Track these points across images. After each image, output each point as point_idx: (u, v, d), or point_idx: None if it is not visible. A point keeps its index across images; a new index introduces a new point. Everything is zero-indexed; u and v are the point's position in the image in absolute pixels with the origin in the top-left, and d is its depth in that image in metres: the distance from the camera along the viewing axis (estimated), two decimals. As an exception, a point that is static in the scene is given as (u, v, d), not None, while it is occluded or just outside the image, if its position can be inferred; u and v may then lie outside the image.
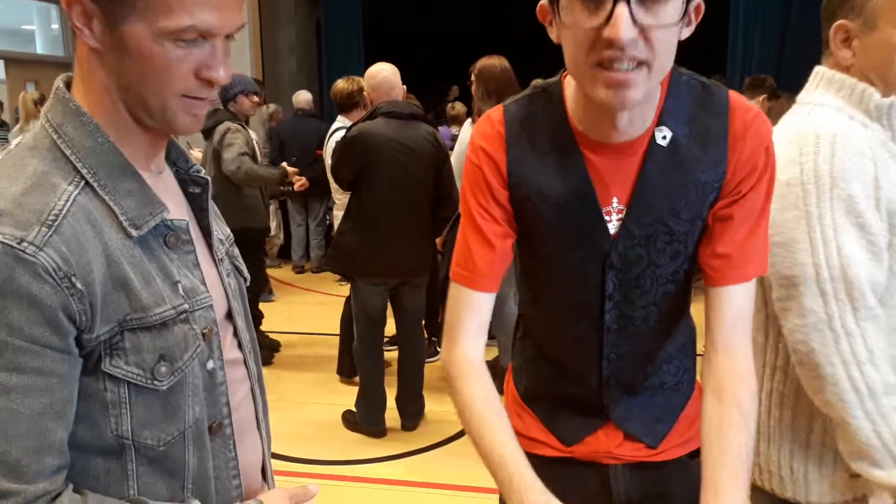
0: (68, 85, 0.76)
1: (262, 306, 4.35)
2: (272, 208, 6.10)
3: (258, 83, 6.27)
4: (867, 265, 1.05)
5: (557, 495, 1.02)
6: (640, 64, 0.80)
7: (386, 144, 2.91)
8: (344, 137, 3.03)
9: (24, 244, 0.64)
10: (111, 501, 0.71)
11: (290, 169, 3.98)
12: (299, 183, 5.58)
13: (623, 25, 0.76)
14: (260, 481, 0.91)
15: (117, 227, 0.72)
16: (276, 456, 2.85)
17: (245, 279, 0.96)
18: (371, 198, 2.98)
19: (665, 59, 0.83)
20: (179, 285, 0.76)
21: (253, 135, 3.96)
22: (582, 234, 0.97)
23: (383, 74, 3.07)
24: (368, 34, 8.00)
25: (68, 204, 0.68)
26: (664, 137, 0.93)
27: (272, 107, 6.39)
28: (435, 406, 3.43)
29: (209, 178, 0.89)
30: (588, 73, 0.83)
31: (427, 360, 3.51)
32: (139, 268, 0.72)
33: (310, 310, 5.19)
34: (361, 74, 3.45)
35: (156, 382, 0.72)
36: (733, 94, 0.95)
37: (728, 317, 0.95)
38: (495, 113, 1.00)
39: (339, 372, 3.80)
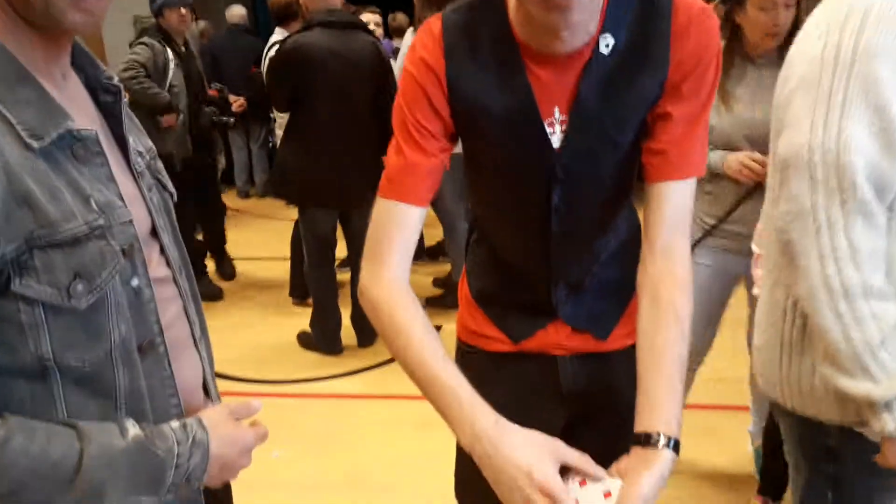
0: None
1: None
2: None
3: (184, -2, 5.89)
4: (871, 155, 0.92)
5: (507, 389, 1.06)
6: None
7: (323, 56, 2.78)
8: (277, 51, 2.89)
9: None
10: (36, 424, 0.69)
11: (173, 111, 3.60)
12: (237, 104, 5.37)
13: None
14: (201, 398, 0.90)
15: (16, 140, 0.67)
16: (232, 378, 2.86)
17: (171, 195, 0.92)
18: (311, 116, 2.87)
19: None
20: (92, 200, 0.72)
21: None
22: (525, 149, 0.96)
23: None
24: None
25: None
26: (607, 45, 0.90)
27: (201, 24, 6.01)
28: (390, 323, 3.47)
29: (121, 85, 0.84)
30: None
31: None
32: (44, 182, 0.68)
33: (258, 235, 5.11)
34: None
35: (73, 302, 0.69)
36: None
37: (666, 216, 0.94)
38: (435, 22, 0.95)
39: (292, 294, 3.78)
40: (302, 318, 3.42)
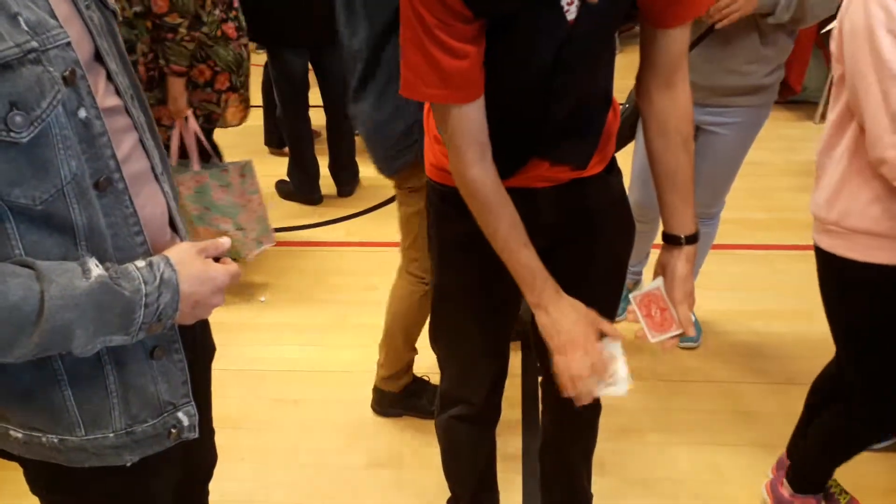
0: None
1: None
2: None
3: None
4: None
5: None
6: None
7: None
8: None
9: None
10: None
11: None
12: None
13: None
14: (169, 234, 0.85)
15: None
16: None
17: (113, 13, 0.82)
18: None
19: None
20: (20, 18, 0.64)
21: None
22: (540, 29, 0.94)
23: None
24: None
25: None
26: None
27: None
28: (369, 172, 3.38)
29: None
30: None
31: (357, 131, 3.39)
32: None
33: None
34: None
35: (13, 135, 0.63)
36: None
37: (672, 55, 1.02)
38: None
39: (268, 143, 3.66)
40: (279, 168, 3.33)
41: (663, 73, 1.03)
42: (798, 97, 4.11)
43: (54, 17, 0.68)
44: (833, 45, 1.22)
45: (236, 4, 2.29)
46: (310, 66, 3.00)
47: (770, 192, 3.22)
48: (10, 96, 0.63)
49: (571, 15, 0.94)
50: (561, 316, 1.03)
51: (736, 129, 1.86)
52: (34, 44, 0.64)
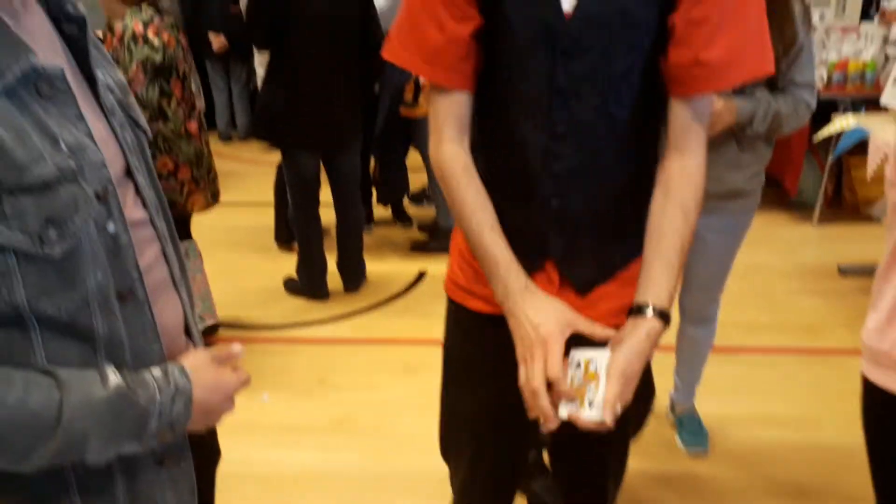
0: None
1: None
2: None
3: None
4: None
5: (492, 352, 1.05)
6: None
7: (305, -9, 2.67)
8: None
9: None
10: (14, 373, 0.67)
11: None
12: (217, 43, 5.19)
13: None
14: (184, 341, 0.88)
15: None
16: (219, 324, 2.84)
17: (144, 132, 0.88)
18: (293, 52, 2.77)
19: None
20: (61, 141, 0.68)
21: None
22: (532, 5, 0.92)
23: None
24: None
25: None
26: None
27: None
28: (375, 268, 3.45)
29: (84, 14, 0.77)
30: None
31: (365, 226, 3.49)
32: (9, 123, 0.64)
33: (240, 178, 5.02)
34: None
35: (46, 249, 0.66)
36: None
37: (687, 121, 0.97)
38: None
39: (277, 239, 3.75)
40: (287, 264, 3.40)
41: (674, 137, 0.98)
42: (794, 200, 4.23)
43: (92, 138, 0.72)
44: (889, 171, 1.14)
45: (199, 106, 2.48)
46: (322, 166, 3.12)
47: (771, 293, 3.25)
48: (47, 213, 0.66)
49: (568, 5, 0.91)
50: (526, 318, 0.92)
51: (720, 233, 1.91)
52: (72, 164, 0.68)
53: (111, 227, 0.73)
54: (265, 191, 3.81)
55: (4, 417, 0.65)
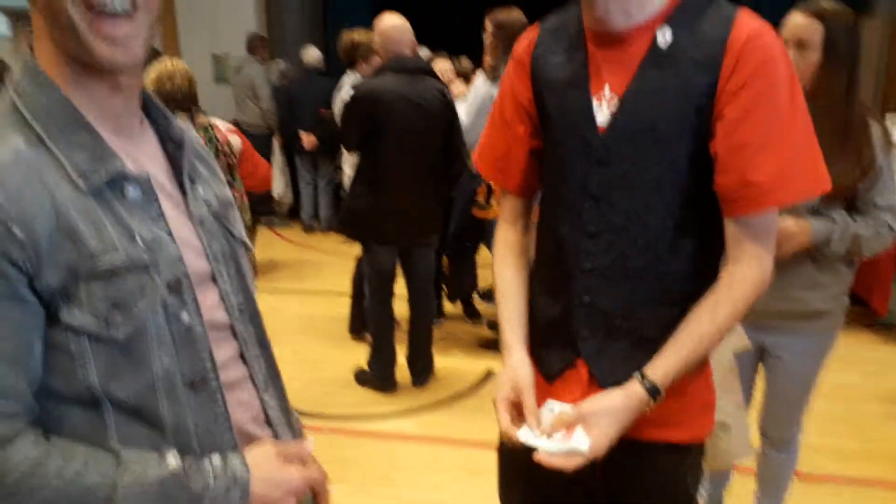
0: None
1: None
2: (279, 167, 6.09)
3: (261, 38, 6.20)
4: None
5: (534, 483, 1.11)
6: None
7: (393, 100, 2.88)
8: (351, 96, 3.00)
9: None
10: (78, 448, 0.72)
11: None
12: (308, 141, 5.57)
13: None
14: (262, 433, 0.90)
15: (66, 179, 0.73)
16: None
17: (243, 245, 0.93)
18: (381, 157, 2.96)
19: None
20: (138, 236, 0.76)
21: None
22: (573, 121, 1.03)
23: (391, 32, 2.99)
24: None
25: (10, 157, 0.70)
26: (664, 37, 0.97)
27: (283, 64, 6.28)
28: (443, 363, 3.47)
29: (183, 138, 0.88)
30: None
31: (435, 320, 3.54)
32: (90, 218, 0.73)
33: (320, 268, 5.22)
34: (368, 26, 3.38)
35: (111, 332, 0.73)
36: (743, 8, 0.97)
37: (740, 237, 0.98)
38: (534, 27, 1.13)
39: (351, 330, 3.84)
40: (358, 354, 3.47)
41: (728, 249, 1.00)
42: (884, 320, 4.02)
43: (171, 235, 0.80)
44: None
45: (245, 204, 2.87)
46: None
47: (860, 418, 3.05)
48: (114, 298, 0.72)
49: (603, 120, 1.00)
50: (504, 373, 1.07)
51: (798, 355, 1.84)
52: (145, 256, 0.75)
53: (185, 317, 0.78)
54: (342, 281, 3.96)
55: (59, 488, 0.69)
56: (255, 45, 6.06)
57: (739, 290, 0.97)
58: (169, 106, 2.56)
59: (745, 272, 0.97)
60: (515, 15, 3.06)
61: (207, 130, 2.72)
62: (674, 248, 1.01)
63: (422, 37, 3.61)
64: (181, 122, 0.91)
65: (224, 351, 0.85)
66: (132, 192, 0.77)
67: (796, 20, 1.65)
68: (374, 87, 2.91)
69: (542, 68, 1.07)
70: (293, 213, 6.47)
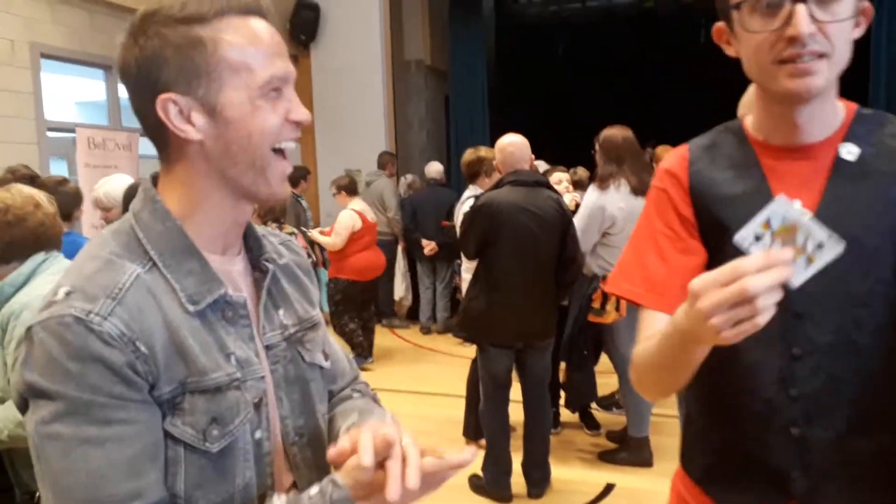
0: (155, 180, 0.87)
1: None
2: (401, 272, 6.41)
3: (390, 154, 6.76)
4: None
5: None
6: (821, 56, 0.88)
7: (513, 210, 3.03)
8: (472, 206, 3.19)
9: (91, 315, 0.73)
10: None
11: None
12: (429, 248, 5.87)
13: (803, 23, 0.86)
14: None
15: (177, 302, 0.80)
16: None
17: (316, 365, 0.96)
18: (499, 262, 3.09)
19: (842, 50, 0.90)
20: (232, 356, 0.82)
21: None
22: None
23: (510, 149, 3.20)
24: (493, 108, 8.33)
25: (132, 280, 0.78)
26: (849, 153, 0.96)
27: (410, 177, 6.86)
28: (561, 474, 3.38)
29: (271, 267, 0.93)
30: (771, 70, 0.91)
31: (552, 429, 3.49)
32: (197, 337, 0.80)
33: (436, 370, 5.31)
34: (486, 144, 3.63)
35: (207, 444, 0.78)
36: None
37: None
38: (681, 146, 1.08)
39: (465, 434, 3.84)
40: (475, 459, 3.45)
41: None
42: None
43: (257, 356, 0.86)
44: None
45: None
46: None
47: None
48: (214, 413, 0.79)
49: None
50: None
51: None
52: (238, 375, 0.82)
53: (258, 433, 0.84)
54: (456, 384, 4.01)
55: None
56: (385, 162, 6.62)
57: None
58: (266, 217, 2.95)
59: None
60: (616, 130, 3.41)
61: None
62: (884, 368, 0.96)
63: (540, 151, 3.83)
64: (280, 245, 0.98)
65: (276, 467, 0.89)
66: (230, 314, 0.84)
67: None
68: (493, 197, 3.09)
69: (706, 183, 1.01)
70: (412, 315, 6.70)
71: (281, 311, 0.93)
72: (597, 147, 3.43)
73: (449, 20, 8.24)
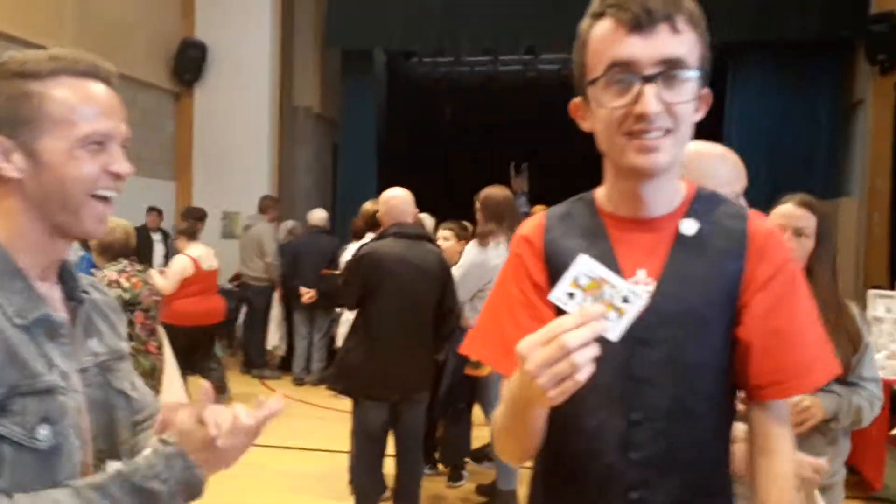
0: None
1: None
2: (276, 320, 6.20)
3: (272, 199, 6.60)
4: None
5: None
6: (668, 132, 0.95)
7: (394, 261, 3.06)
8: (354, 255, 3.18)
9: None
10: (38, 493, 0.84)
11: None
12: (307, 296, 5.74)
13: (651, 102, 0.93)
14: None
15: (6, 316, 0.89)
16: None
17: (122, 393, 1.04)
18: (378, 314, 3.08)
19: (685, 128, 0.98)
20: (56, 369, 0.92)
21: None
22: None
23: (394, 202, 3.24)
24: (382, 159, 8.42)
25: None
26: (689, 228, 1.03)
27: (291, 223, 6.65)
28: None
29: (86, 297, 1.03)
30: (620, 144, 0.97)
31: (423, 473, 3.46)
32: (27, 347, 0.89)
33: (308, 423, 5.12)
34: (374, 195, 3.67)
35: (34, 441, 0.86)
36: (750, 209, 1.09)
37: (771, 425, 1.03)
38: (540, 214, 1.14)
39: (352, 483, 3.71)
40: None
41: (759, 442, 1.03)
42: (880, 494, 3.93)
43: (74, 375, 0.94)
44: None
45: (158, 332, 3.15)
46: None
47: None
48: (44, 413, 0.87)
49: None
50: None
51: None
52: (62, 383, 0.91)
53: (77, 442, 0.91)
54: (332, 438, 3.89)
55: None
56: (266, 206, 6.45)
57: (788, 488, 1.02)
58: (105, 254, 3.07)
59: (785, 468, 1.02)
60: (497, 189, 3.60)
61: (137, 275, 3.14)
62: (716, 434, 1.05)
63: (425, 205, 3.91)
64: (88, 286, 1.06)
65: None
66: (53, 332, 0.93)
67: (792, 211, 1.84)
68: (375, 248, 3.11)
69: (559, 251, 1.05)
70: (285, 366, 6.47)
71: (94, 340, 1.02)
72: (478, 205, 3.56)
73: (341, 72, 8.28)
